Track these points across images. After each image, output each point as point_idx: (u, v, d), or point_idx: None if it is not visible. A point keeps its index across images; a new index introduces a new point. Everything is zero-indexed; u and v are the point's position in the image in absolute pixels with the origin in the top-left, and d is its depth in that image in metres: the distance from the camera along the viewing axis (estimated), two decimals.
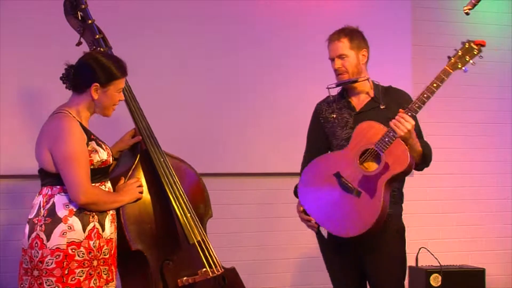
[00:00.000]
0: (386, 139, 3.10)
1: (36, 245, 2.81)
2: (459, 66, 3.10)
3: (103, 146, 2.96)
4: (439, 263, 4.51)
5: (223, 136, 4.64)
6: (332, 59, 3.38)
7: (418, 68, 5.02)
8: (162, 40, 4.54)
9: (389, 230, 3.24)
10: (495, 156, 5.29)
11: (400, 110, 3.13)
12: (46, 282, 2.79)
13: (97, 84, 2.91)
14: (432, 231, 5.02)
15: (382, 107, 3.32)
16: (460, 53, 3.10)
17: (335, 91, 3.46)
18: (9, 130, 4.21)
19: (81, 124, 2.91)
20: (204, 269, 3.23)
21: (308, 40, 4.81)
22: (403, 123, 3.08)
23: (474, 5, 3.27)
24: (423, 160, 3.26)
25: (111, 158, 3.00)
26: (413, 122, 3.09)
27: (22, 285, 2.86)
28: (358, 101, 3.38)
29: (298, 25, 4.82)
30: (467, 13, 3.31)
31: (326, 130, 3.42)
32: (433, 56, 5.19)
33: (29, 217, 2.89)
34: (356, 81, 3.33)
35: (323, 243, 3.37)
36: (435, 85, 3.10)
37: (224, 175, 4.63)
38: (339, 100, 3.42)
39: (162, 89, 4.48)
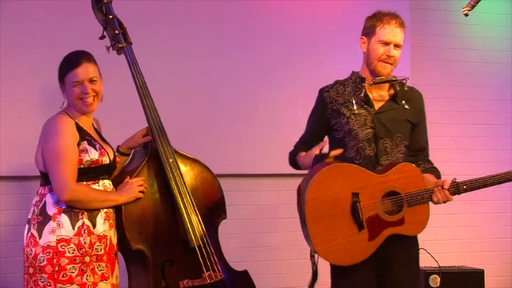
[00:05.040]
0: (419, 197, 2.99)
1: (31, 243, 2.87)
2: None
3: (96, 146, 2.97)
4: (438, 264, 4.49)
5: (224, 137, 4.64)
6: (387, 43, 3.07)
7: (417, 69, 5.02)
8: (166, 40, 4.54)
9: (414, 249, 3.20)
10: (495, 157, 5.29)
11: (446, 183, 2.99)
12: (40, 279, 2.83)
13: (60, 84, 3.00)
14: (431, 232, 4.96)
15: (406, 107, 3.12)
16: None
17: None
18: (9, 131, 4.21)
19: (77, 124, 2.95)
20: (208, 273, 3.18)
21: (308, 39, 4.82)
22: (444, 198, 3.00)
23: (473, 6, 3.24)
24: None
25: (104, 158, 2.99)
26: (452, 200, 3.00)
27: (24, 284, 2.91)
28: (378, 97, 3.14)
29: (298, 25, 4.82)
30: (466, 14, 3.29)
31: (335, 122, 3.14)
32: (432, 57, 5.21)
33: (28, 216, 2.95)
34: (395, 81, 3.08)
35: None
36: (491, 180, 3.09)
37: (224, 175, 4.61)
38: (355, 93, 3.13)
39: (167, 88, 4.47)
